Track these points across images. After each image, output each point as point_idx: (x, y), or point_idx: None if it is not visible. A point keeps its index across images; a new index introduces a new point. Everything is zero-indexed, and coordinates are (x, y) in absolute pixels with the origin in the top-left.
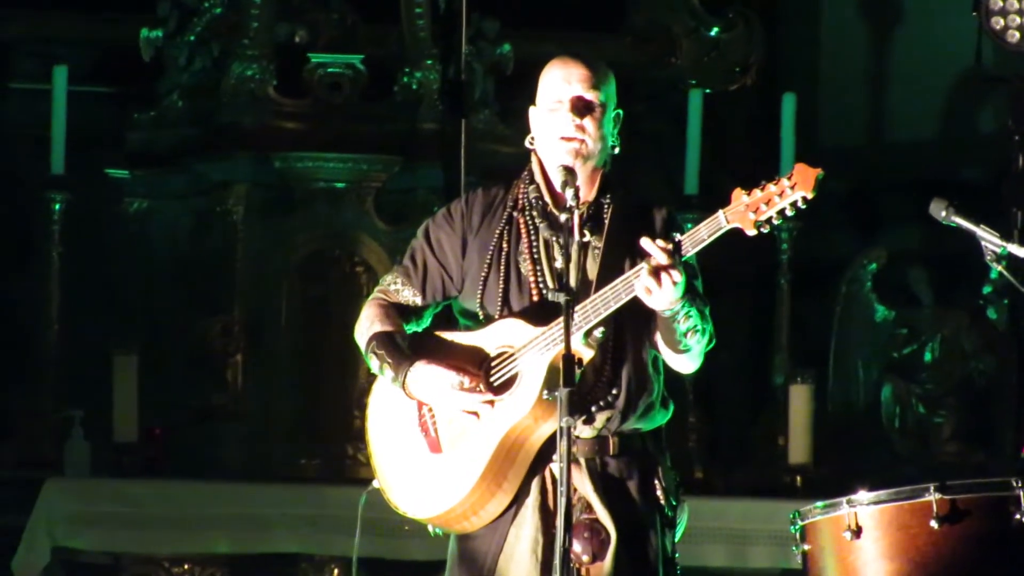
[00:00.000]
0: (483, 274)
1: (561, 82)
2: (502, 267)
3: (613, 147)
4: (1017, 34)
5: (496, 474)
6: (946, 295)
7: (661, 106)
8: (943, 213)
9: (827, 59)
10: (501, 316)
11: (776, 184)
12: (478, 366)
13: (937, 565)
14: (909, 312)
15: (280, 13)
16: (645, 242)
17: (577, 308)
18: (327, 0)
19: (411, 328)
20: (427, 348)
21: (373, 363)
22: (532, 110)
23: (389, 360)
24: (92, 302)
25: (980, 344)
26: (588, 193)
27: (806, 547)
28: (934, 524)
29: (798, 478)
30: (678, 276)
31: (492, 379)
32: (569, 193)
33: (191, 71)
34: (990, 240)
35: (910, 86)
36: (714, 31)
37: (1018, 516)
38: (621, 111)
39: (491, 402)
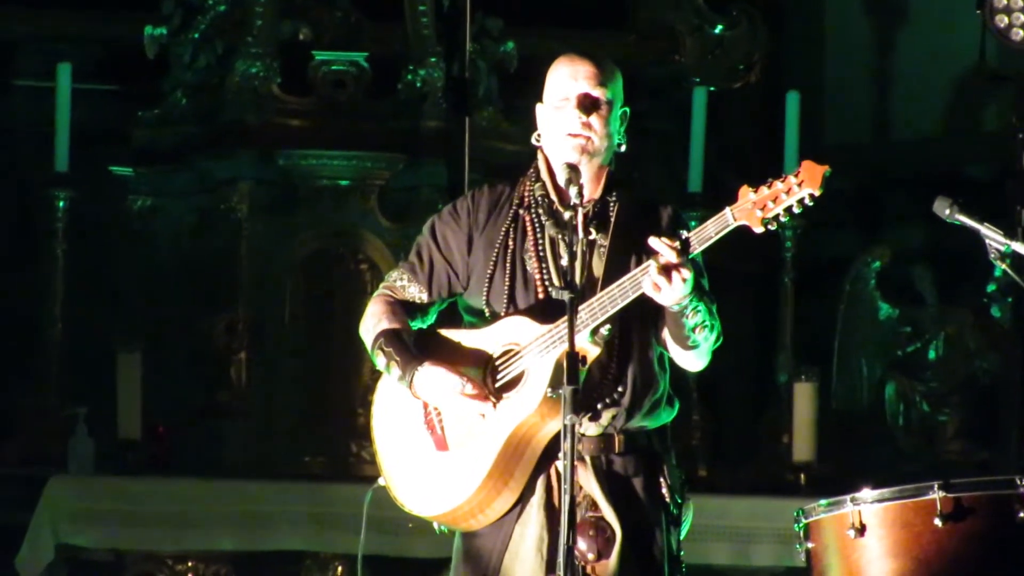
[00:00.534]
0: (489, 272)
1: (568, 79)
2: (508, 265)
3: (619, 145)
4: (1021, 32)
5: (502, 472)
6: (950, 293)
7: (665, 104)
8: (947, 211)
9: (831, 57)
10: (507, 314)
11: (783, 181)
12: (484, 364)
13: (941, 563)
14: (913, 310)
15: (284, 11)
16: (653, 240)
17: (583, 306)
18: None
19: (416, 325)
20: (434, 346)
21: (379, 360)
22: (538, 107)
23: (397, 359)
24: (96, 299)
25: (984, 342)
26: (594, 191)
27: (810, 545)
28: (938, 522)
29: (802, 476)
30: (687, 273)
31: (498, 377)
32: (573, 191)
33: (195, 69)
34: (994, 238)
35: (914, 84)
36: (718, 29)
37: (1022, 514)
38: (627, 109)
39: (496, 403)
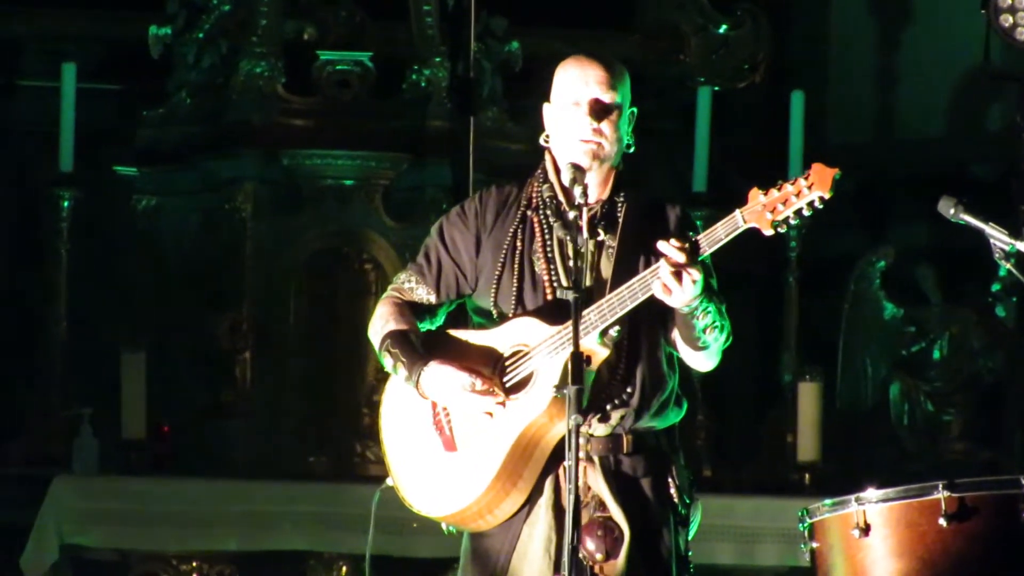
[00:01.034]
0: (497, 273)
1: (578, 83)
2: (516, 266)
3: (628, 146)
4: None
5: (511, 473)
6: (955, 293)
7: (670, 103)
8: (951, 211)
9: (835, 56)
10: (515, 315)
11: (793, 184)
12: (492, 365)
13: (945, 563)
14: (917, 310)
15: (289, 10)
16: (662, 243)
17: (593, 307)
18: None
19: (425, 326)
20: (441, 347)
21: (387, 361)
22: (546, 107)
23: (403, 359)
24: (100, 299)
25: (988, 342)
26: (602, 192)
27: (814, 545)
28: (943, 522)
29: (806, 476)
30: (696, 275)
31: (507, 378)
32: (578, 191)
33: (200, 68)
34: (998, 238)
35: (918, 83)
36: (722, 28)
37: None
38: (635, 109)
39: (504, 403)
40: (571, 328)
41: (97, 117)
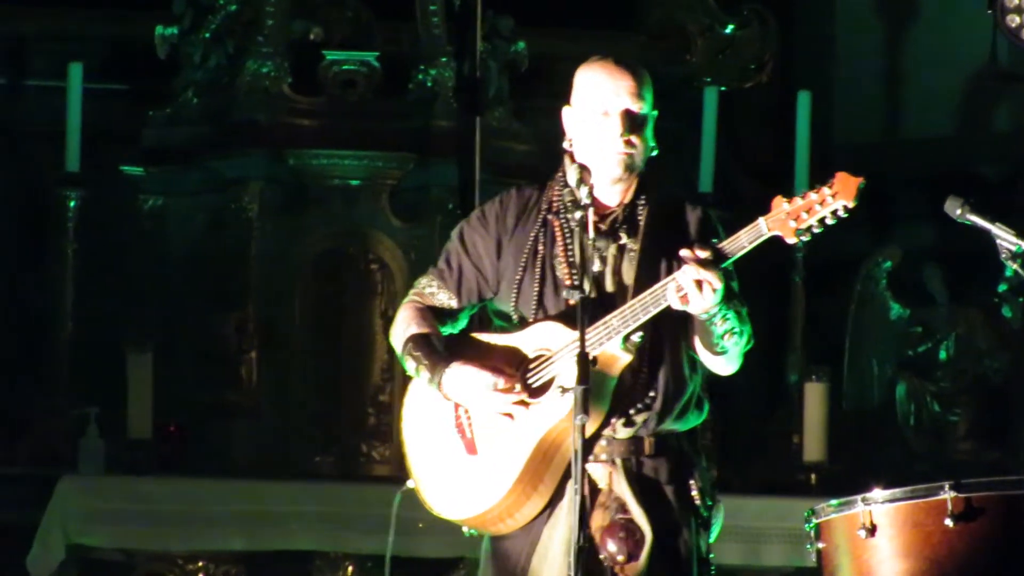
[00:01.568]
0: (518, 277)
1: (608, 92)
2: (537, 270)
3: (652, 148)
4: None
5: (532, 476)
6: (961, 293)
7: (676, 104)
8: (958, 211)
9: (842, 56)
10: (536, 318)
11: (817, 192)
12: (515, 368)
13: (952, 563)
14: (924, 310)
15: (295, 10)
16: (684, 251)
17: (615, 312)
18: None
19: (447, 330)
20: (463, 350)
21: (409, 365)
22: (567, 111)
23: (425, 361)
24: (107, 299)
25: (995, 342)
26: (624, 196)
27: (820, 545)
28: (949, 522)
29: (812, 476)
30: (717, 283)
31: (529, 382)
32: (583, 191)
33: (206, 68)
34: (1005, 238)
35: (925, 84)
36: (729, 29)
37: None
38: (656, 112)
39: (526, 404)
40: (592, 333)
41: (103, 117)
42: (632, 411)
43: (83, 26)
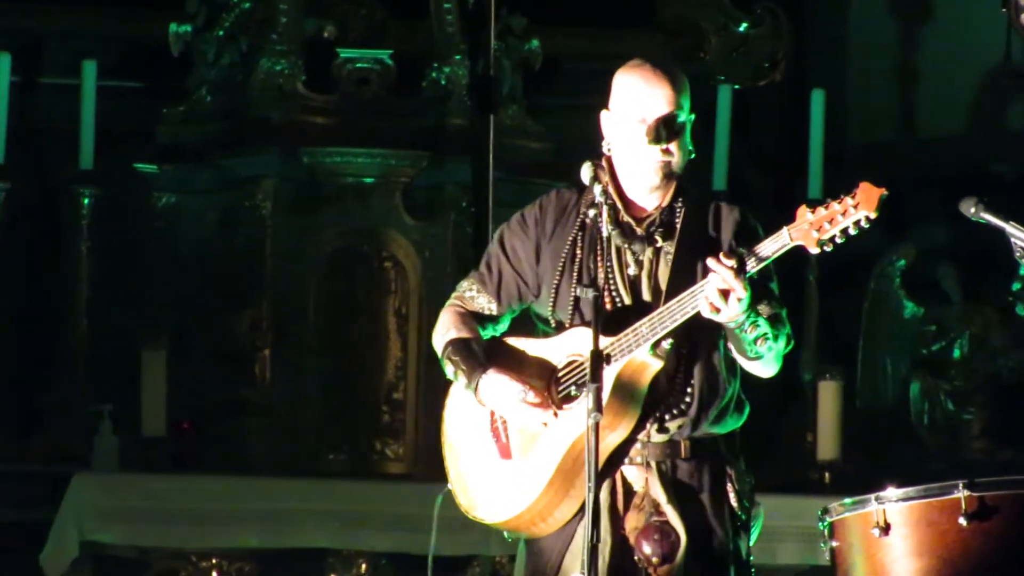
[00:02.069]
0: (555, 281)
1: (647, 100)
2: (575, 274)
3: (690, 152)
4: None
5: (564, 481)
6: (975, 292)
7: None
8: (972, 210)
9: (856, 55)
10: (572, 323)
11: (840, 203)
12: (548, 375)
13: (965, 562)
14: (938, 309)
15: (309, 8)
16: (711, 260)
17: (644, 319)
18: None
19: (488, 333)
20: (500, 356)
21: (448, 369)
22: (606, 115)
23: (463, 367)
24: (121, 297)
25: (1009, 340)
26: (663, 199)
27: (834, 544)
28: (963, 521)
29: (826, 474)
30: (742, 292)
31: (561, 387)
32: (597, 189)
33: (220, 66)
34: (1019, 237)
35: (939, 82)
36: (743, 27)
37: None
38: (694, 116)
39: (556, 414)
40: (623, 338)
41: (117, 114)
42: (667, 416)
43: (97, 24)
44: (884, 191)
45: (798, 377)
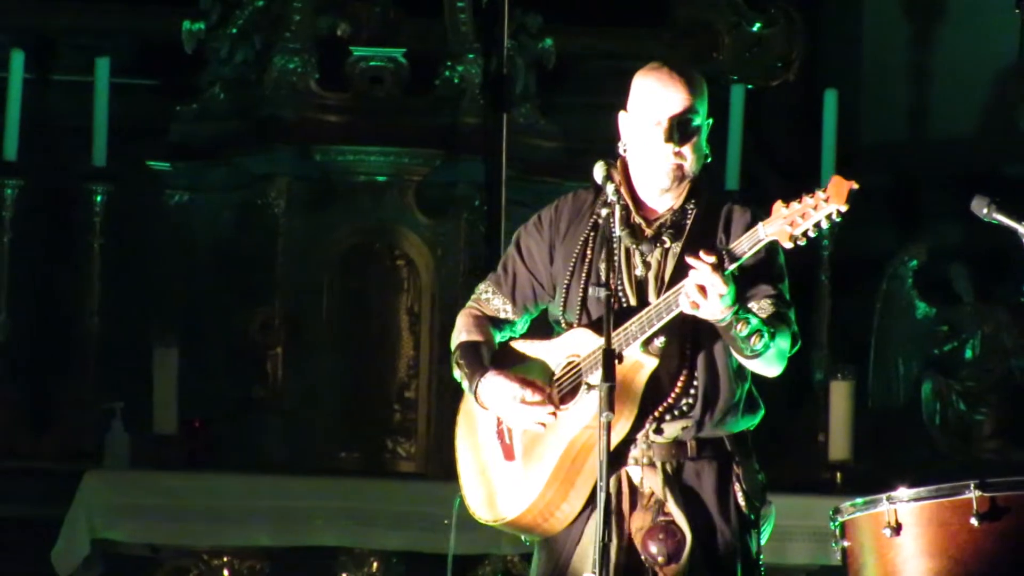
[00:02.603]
0: (566, 282)
1: (661, 103)
2: (584, 274)
3: (705, 156)
4: None
5: (563, 481)
6: (987, 292)
7: None
8: (985, 210)
9: (869, 55)
10: (580, 324)
11: (812, 197)
12: (548, 376)
13: (977, 562)
14: (950, 309)
15: (322, 6)
16: (689, 258)
17: (634, 318)
18: None
19: (504, 335)
20: (502, 358)
21: (456, 373)
22: (623, 116)
23: (466, 370)
24: (133, 294)
25: (1021, 341)
26: (675, 201)
27: (845, 543)
28: (974, 521)
29: (838, 474)
30: (722, 288)
31: (559, 389)
32: (610, 188)
33: (233, 64)
34: None
35: (952, 82)
36: (756, 27)
37: None
38: (712, 119)
39: (555, 414)
40: (614, 337)
41: (130, 112)
42: (668, 416)
43: (110, 21)
44: (854, 184)
45: (810, 377)
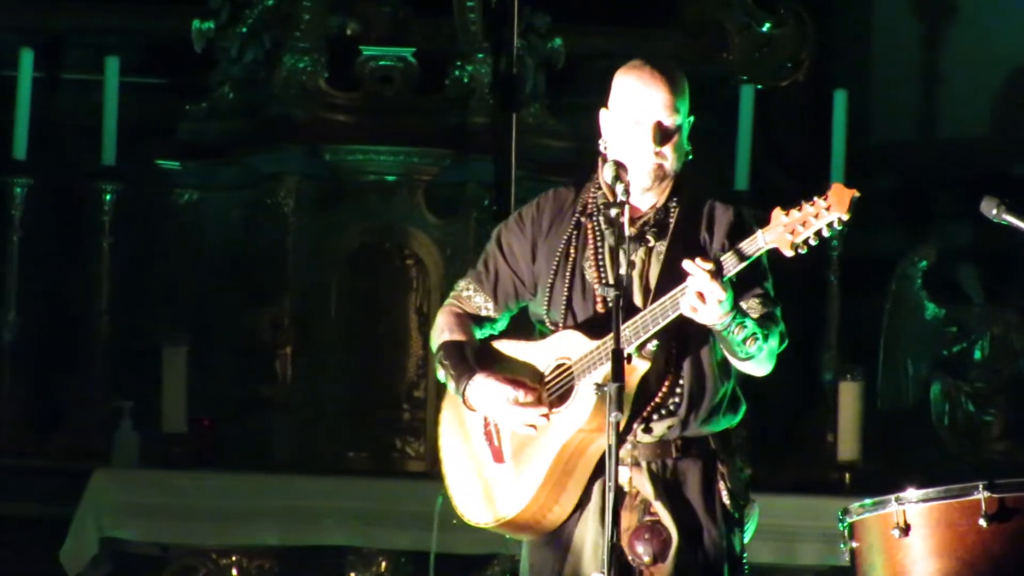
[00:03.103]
0: (549, 281)
1: (642, 102)
2: (568, 274)
3: (687, 153)
4: None
5: (555, 484)
6: (996, 293)
7: (712, 101)
8: (994, 211)
9: (878, 55)
10: (565, 323)
11: (812, 205)
12: (536, 379)
13: (985, 563)
14: (959, 310)
15: (332, 5)
16: (687, 263)
17: (628, 323)
18: None
19: (484, 333)
20: (490, 359)
21: (440, 373)
22: (604, 114)
23: (452, 371)
24: (142, 293)
25: None
26: (658, 199)
27: (854, 544)
28: (983, 522)
29: (846, 475)
30: (721, 294)
31: (549, 392)
32: (620, 187)
33: (242, 63)
34: None
35: (962, 83)
36: (766, 27)
37: None
38: (693, 117)
39: (547, 416)
40: (609, 341)
41: (140, 111)
42: (655, 416)
43: (120, 20)
44: (856, 192)
45: (819, 377)
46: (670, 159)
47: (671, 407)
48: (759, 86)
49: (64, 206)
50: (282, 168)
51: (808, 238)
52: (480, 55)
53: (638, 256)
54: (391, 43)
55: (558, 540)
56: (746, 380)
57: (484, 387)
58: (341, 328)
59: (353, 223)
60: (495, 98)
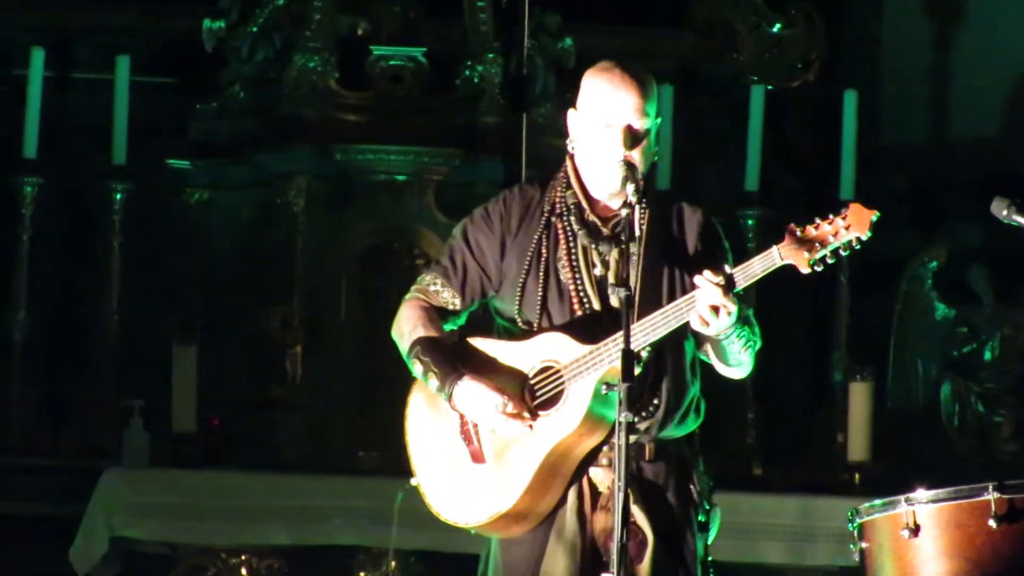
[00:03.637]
0: (521, 280)
1: (611, 105)
2: (541, 274)
3: (654, 154)
4: None
5: (540, 486)
6: (1007, 293)
7: (722, 101)
8: (1004, 212)
9: (889, 55)
10: (541, 323)
11: (831, 223)
12: (522, 381)
13: (995, 564)
14: (969, 310)
15: (342, 5)
16: (698, 277)
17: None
18: None
19: (448, 327)
20: (472, 359)
21: (416, 368)
22: (572, 114)
23: (435, 370)
24: (152, 292)
25: None
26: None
27: (864, 545)
28: (992, 523)
29: (856, 475)
30: (732, 307)
31: (536, 395)
32: (630, 188)
33: (253, 62)
34: None
35: (972, 83)
36: (776, 27)
37: None
38: (660, 119)
39: (531, 426)
40: (603, 349)
41: (150, 110)
42: (636, 419)
43: (130, 19)
44: (876, 212)
45: (829, 378)
46: (639, 161)
47: (651, 409)
48: (769, 86)
49: (74, 205)
50: (292, 168)
51: (825, 256)
52: (490, 55)
53: (612, 257)
54: (401, 43)
55: (532, 541)
56: (758, 380)
57: (472, 392)
58: (351, 328)
59: (363, 223)
60: (505, 98)
